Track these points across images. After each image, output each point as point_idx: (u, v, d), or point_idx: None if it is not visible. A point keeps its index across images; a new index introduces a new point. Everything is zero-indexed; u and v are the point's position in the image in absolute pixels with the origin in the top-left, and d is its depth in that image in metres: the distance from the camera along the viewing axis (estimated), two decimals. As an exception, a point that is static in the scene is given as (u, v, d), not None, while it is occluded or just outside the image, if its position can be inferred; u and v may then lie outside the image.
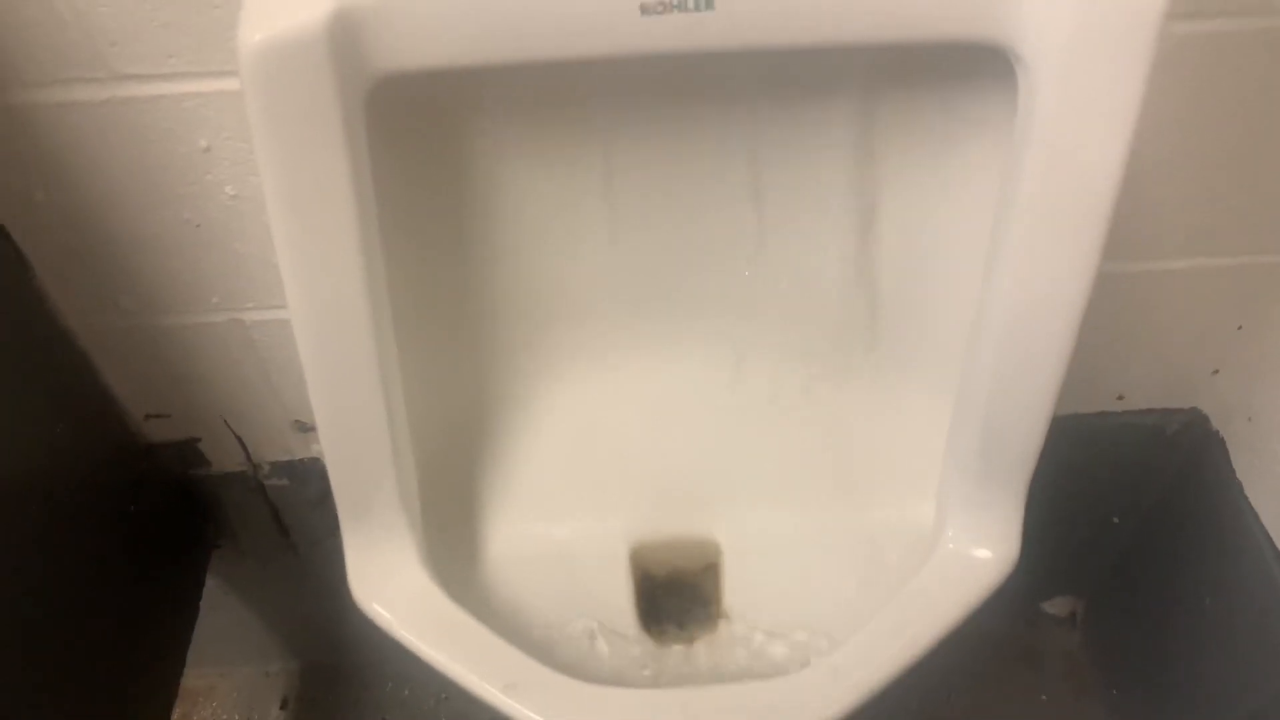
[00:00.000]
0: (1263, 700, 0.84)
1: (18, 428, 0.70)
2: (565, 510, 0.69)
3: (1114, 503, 1.00)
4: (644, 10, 0.42)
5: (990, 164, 0.53)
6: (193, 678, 1.05)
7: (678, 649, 0.65)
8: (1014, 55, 0.45)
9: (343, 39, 0.42)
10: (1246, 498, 0.84)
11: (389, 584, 0.60)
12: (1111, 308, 0.78)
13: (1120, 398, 0.87)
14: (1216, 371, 0.84)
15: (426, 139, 0.58)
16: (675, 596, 0.68)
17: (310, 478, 0.90)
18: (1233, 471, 0.85)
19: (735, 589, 0.67)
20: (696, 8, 0.42)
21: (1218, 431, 0.87)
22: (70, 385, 0.77)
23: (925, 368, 0.65)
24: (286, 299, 0.50)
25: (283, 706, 1.16)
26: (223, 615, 1.05)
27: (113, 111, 0.61)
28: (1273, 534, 0.81)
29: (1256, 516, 0.83)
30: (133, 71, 0.59)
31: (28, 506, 0.70)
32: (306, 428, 0.86)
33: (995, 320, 0.52)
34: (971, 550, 0.62)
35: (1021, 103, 0.46)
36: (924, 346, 0.65)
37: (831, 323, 0.67)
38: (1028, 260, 0.49)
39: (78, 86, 0.60)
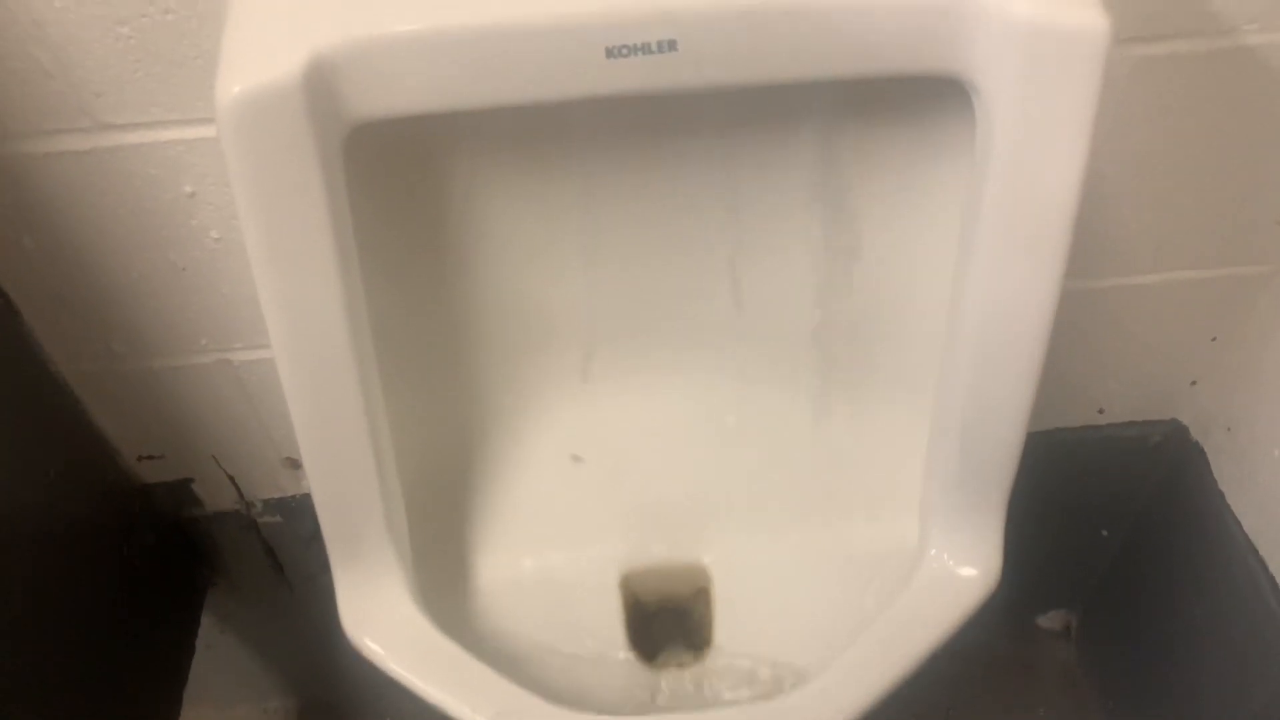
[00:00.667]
0: (1256, 706, 0.85)
1: (9, 472, 0.71)
2: (554, 539, 0.69)
3: (1101, 515, 1.00)
4: (609, 53, 0.44)
5: (957, 188, 0.54)
6: (190, 717, 1.04)
7: (670, 675, 0.66)
8: (969, 85, 0.46)
9: (318, 88, 0.44)
10: (1229, 507, 0.85)
11: (380, 619, 0.60)
12: (1087, 323, 0.79)
13: (1101, 411, 0.88)
14: (1194, 383, 0.85)
15: (405, 178, 0.59)
16: (666, 622, 0.69)
17: (302, 514, 0.91)
18: (1215, 481, 0.86)
19: (725, 613, 0.67)
20: (660, 50, 0.44)
21: (1198, 442, 0.88)
22: (61, 429, 0.78)
23: (903, 389, 0.66)
24: (271, 340, 0.51)
25: (281, 744, 1.16)
26: (219, 654, 1.05)
27: (98, 160, 0.63)
28: (1255, 542, 0.82)
29: (1240, 525, 0.84)
30: (117, 121, 0.61)
31: (21, 550, 0.71)
32: (297, 465, 0.87)
33: (965, 342, 0.54)
34: (954, 568, 0.62)
35: (979, 130, 0.47)
36: (901, 368, 0.66)
37: (809, 347, 0.68)
38: (993, 281, 0.51)
39: (63, 136, 0.61)
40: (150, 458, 0.85)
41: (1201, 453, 0.87)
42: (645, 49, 0.44)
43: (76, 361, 0.76)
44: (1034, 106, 0.45)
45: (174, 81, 0.59)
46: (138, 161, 0.63)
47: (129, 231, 0.67)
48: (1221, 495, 0.85)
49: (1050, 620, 1.18)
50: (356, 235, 0.51)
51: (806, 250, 0.63)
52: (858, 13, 0.44)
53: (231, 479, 0.88)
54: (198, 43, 0.57)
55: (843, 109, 0.56)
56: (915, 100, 0.54)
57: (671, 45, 0.44)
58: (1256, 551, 0.82)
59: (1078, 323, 0.79)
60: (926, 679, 0.61)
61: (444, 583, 0.66)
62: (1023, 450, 0.59)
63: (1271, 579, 0.80)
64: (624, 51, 0.44)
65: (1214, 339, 0.81)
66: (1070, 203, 0.47)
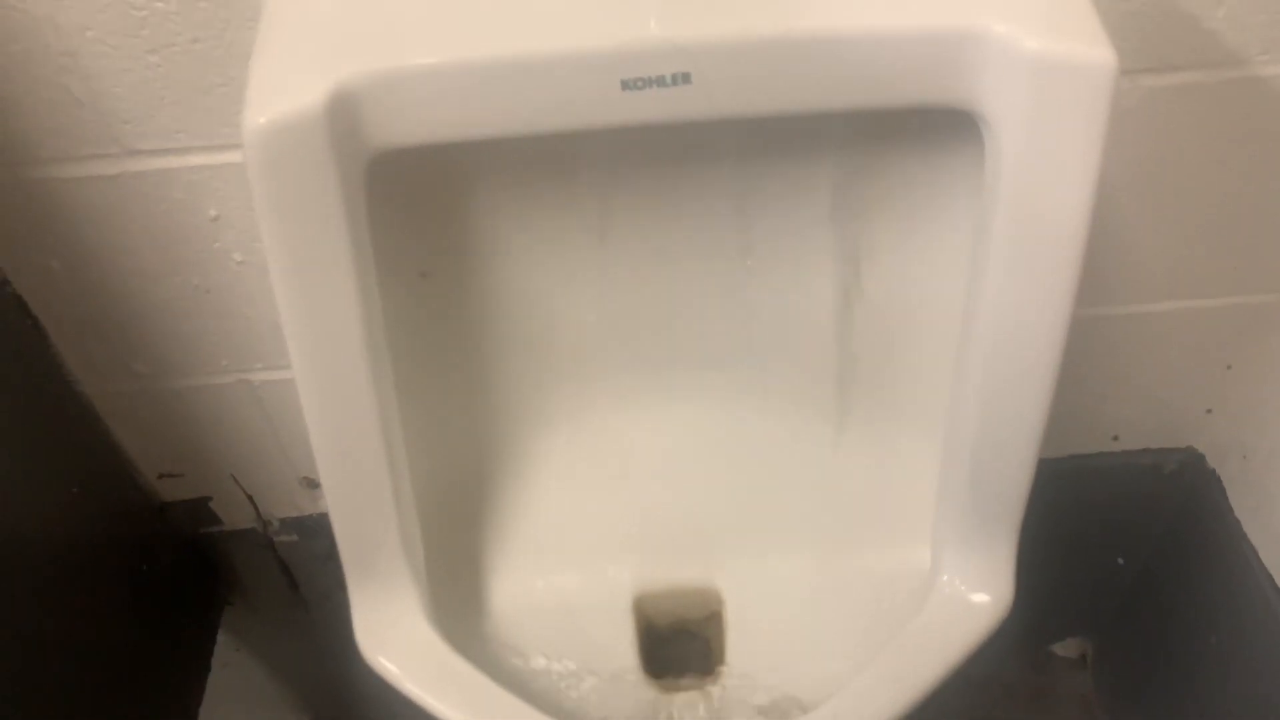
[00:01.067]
0: (1273, 738, 0.84)
1: (33, 490, 0.72)
2: (567, 561, 0.70)
3: (1117, 543, 1.00)
4: (625, 85, 0.45)
5: (967, 217, 0.55)
6: (205, 735, 1.05)
7: (681, 698, 0.66)
8: (978, 117, 0.47)
9: (341, 118, 0.45)
10: (1245, 536, 0.84)
11: (394, 638, 0.61)
12: (1102, 350, 0.79)
13: (1116, 438, 0.88)
14: (1209, 411, 0.85)
15: (425, 204, 0.60)
16: (678, 645, 0.69)
17: (319, 533, 0.92)
18: (1230, 509, 0.86)
19: (737, 636, 0.67)
20: (674, 82, 0.45)
21: (1214, 470, 0.88)
22: (84, 447, 0.79)
23: (916, 414, 0.67)
24: (291, 362, 0.52)
25: (295, 763, 1.16)
26: (234, 672, 1.06)
27: (125, 184, 0.64)
28: (1272, 571, 0.82)
29: (1256, 554, 0.83)
30: (144, 147, 0.62)
31: (41, 565, 0.72)
32: (314, 484, 0.87)
33: (976, 368, 0.54)
34: (966, 594, 0.63)
35: (989, 160, 0.48)
36: (914, 393, 0.67)
37: (822, 372, 0.69)
38: (1004, 309, 0.51)
39: (92, 162, 0.63)
40: (170, 476, 0.86)
41: (1218, 480, 0.87)
42: (660, 81, 0.45)
43: (100, 381, 0.77)
44: (1042, 138, 0.45)
45: (200, 109, 0.60)
46: (164, 186, 0.64)
47: (154, 254, 0.68)
48: (1238, 523, 0.85)
49: (1066, 648, 1.18)
50: (376, 259, 0.52)
51: (819, 276, 0.64)
52: (869, 45, 0.45)
53: (249, 497, 0.89)
54: (224, 70, 0.58)
55: (855, 139, 0.57)
56: (926, 130, 0.55)
57: (685, 78, 0.45)
58: (1273, 580, 0.81)
59: (1093, 350, 0.79)
60: (941, 706, 0.61)
61: (458, 603, 0.67)
62: (1037, 477, 0.59)
63: (1288, 608, 0.80)
64: (639, 84, 0.45)
65: (1229, 367, 0.81)
66: (1079, 232, 0.47)
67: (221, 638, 0.98)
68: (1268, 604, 0.82)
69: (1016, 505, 0.60)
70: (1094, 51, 0.44)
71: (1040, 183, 0.46)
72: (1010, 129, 0.46)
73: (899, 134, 0.56)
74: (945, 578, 0.63)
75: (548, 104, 0.46)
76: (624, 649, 0.67)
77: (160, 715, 0.88)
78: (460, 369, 0.68)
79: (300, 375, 0.52)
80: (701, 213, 0.61)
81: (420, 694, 0.59)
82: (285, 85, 0.45)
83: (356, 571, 0.60)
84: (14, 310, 0.70)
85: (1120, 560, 1.01)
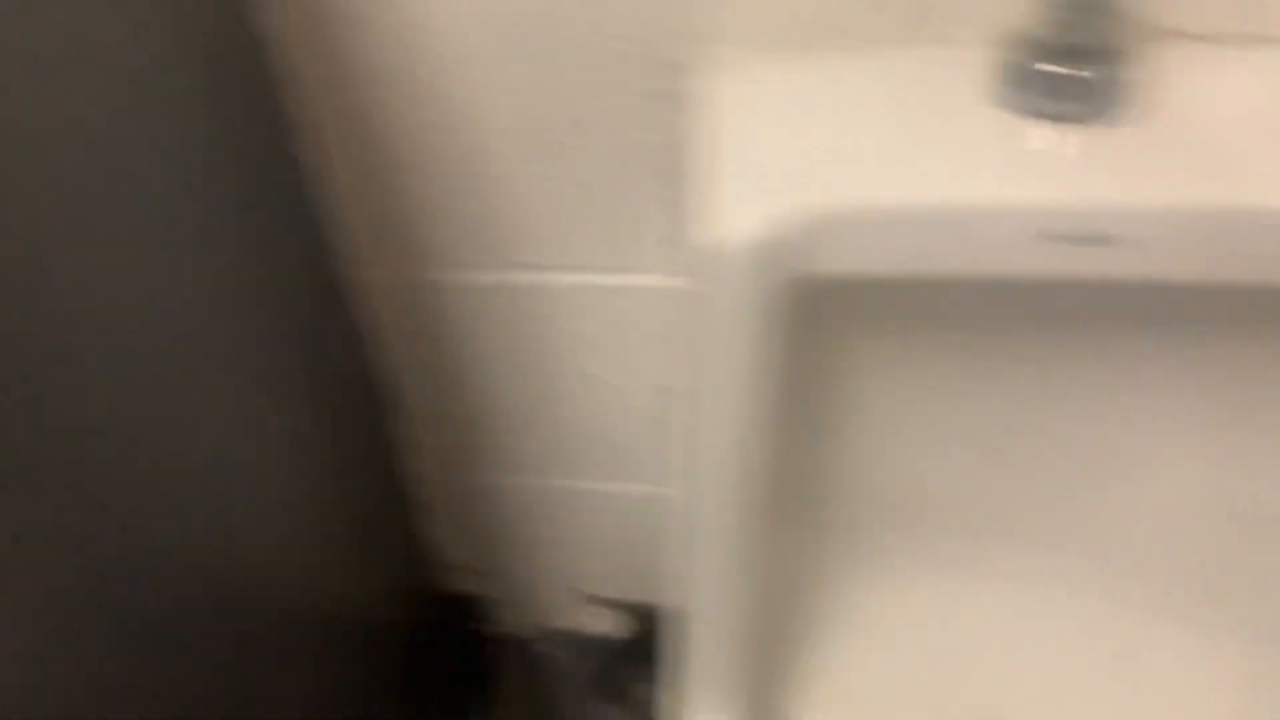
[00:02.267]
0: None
1: (363, 567, 0.76)
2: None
3: None
4: (1042, 237, 0.45)
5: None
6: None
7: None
8: None
9: (773, 245, 0.47)
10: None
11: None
12: None
13: None
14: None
15: (804, 336, 0.61)
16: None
17: (589, 653, 0.92)
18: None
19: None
20: (1093, 243, 0.44)
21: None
22: (395, 527, 0.83)
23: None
24: (679, 482, 0.54)
25: None
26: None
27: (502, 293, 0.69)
28: None
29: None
30: (533, 261, 0.67)
31: (328, 636, 0.74)
32: (599, 601, 0.89)
33: None
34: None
35: None
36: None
37: (1187, 574, 0.64)
38: None
39: (483, 272, 0.68)
40: (461, 569, 0.90)
41: None
42: (1076, 240, 0.45)
43: (440, 476, 0.82)
44: None
45: (598, 237, 0.64)
46: (533, 300, 0.69)
47: (513, 359, 0.73)
48: None
49: None
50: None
51: (1191, 473, 0.61)
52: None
53: (529, 605, 0.91)
54: (633, 206, 0.63)
55: (1255, 327, 0.55)
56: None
57: (1104, 239, 0.44)
58: None
59: None
60: None
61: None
62: None
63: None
64: (1056, 239, 0.45)
65: None
66: None
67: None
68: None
69: None
70: None
71: None
72: None
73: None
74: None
75: (966, 249, 0.47)
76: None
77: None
78: (806, 506, 0.68)
79: (693, 493, 0.53)
80: (1068, 384, 0.59)
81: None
82: (725, 214, 0.47)
83: (691, 690, 0.60)
84: (390, 405, 0.77)
85: None
